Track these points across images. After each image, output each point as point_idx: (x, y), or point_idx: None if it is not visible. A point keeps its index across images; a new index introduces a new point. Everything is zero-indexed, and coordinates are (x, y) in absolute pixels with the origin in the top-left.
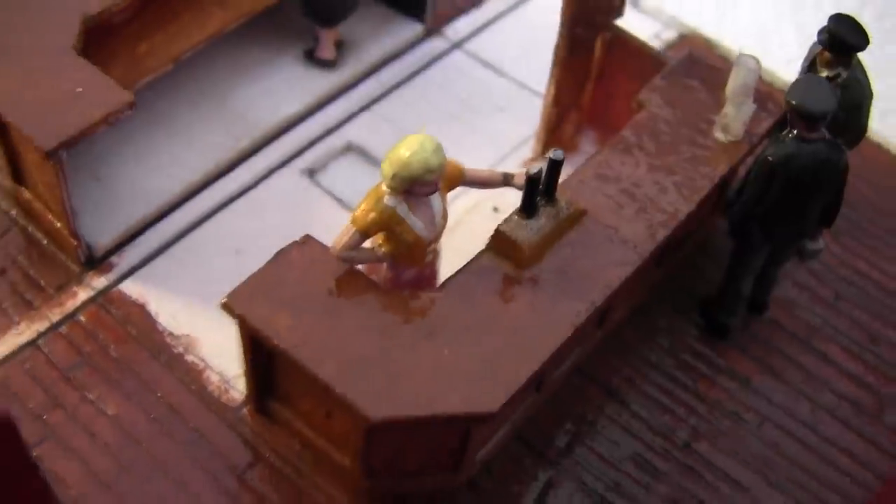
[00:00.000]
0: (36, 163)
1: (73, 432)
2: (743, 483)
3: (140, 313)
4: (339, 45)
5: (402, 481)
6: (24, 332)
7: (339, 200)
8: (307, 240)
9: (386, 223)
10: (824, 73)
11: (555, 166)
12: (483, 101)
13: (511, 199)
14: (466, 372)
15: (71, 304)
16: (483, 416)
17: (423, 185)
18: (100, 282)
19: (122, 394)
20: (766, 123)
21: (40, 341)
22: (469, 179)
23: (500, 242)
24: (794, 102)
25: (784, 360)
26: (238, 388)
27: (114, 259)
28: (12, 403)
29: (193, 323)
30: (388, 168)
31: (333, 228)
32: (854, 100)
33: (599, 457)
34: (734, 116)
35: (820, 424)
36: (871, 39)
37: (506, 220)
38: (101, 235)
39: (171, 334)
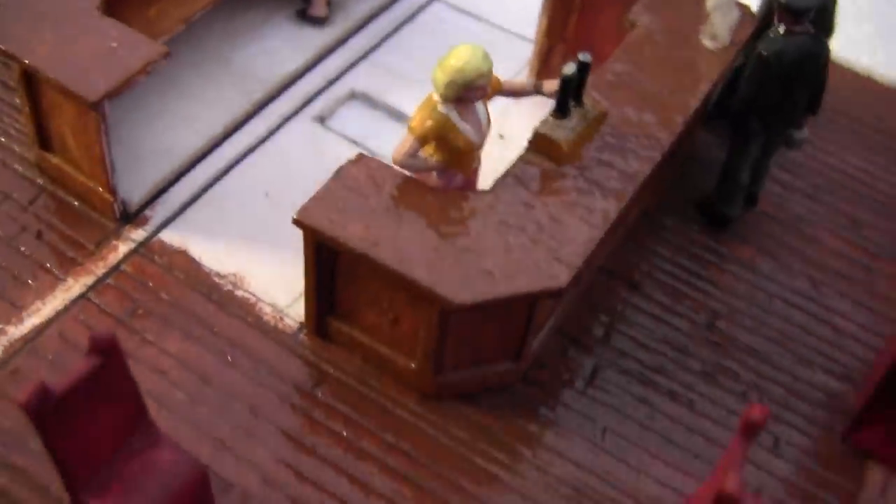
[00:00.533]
0: (72, 122)
1: (140, 373)
2: (763, 352)
3: (183, 259)
4: (329, 3)
5: (467, 377)
6: (72, 287)
7: (353, 141)
8: (360, 157)
9: (441, 130)
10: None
11: (584, 68)
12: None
13: (514, 127)
14: (531, 255)
15: (113, 258)
16: (554, 291)
17: (476, 89)
18: (138, 234)
19: (180, 333)
20: (749, 29)
21: (90, 294)
22: (506, 89)
23: (539, 143)
24: (782, 0)
25: (779, 244)
26: (292, 315)
27: (147, 213)
28: (74, 354)
29: (238, 261)
30: (442, 77)
31: None
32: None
33: (634, 341)
34: (720, 24)
35: (821, 296)
36: None
37: (542, 123)
38: (133, 191)
39: (217, 274)
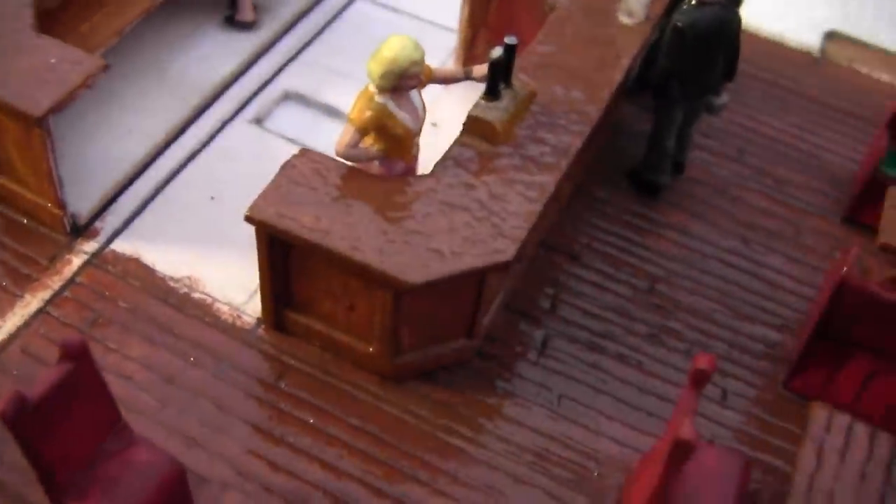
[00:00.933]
0: (16, 140)
1: (106, 380)
2: (704, 310)
3: (137, 266)
4: (255, 8)
5: (424, 357)
6: (30, 303)
7: (291, 140)
8: (303, 151)
9: (379, 119)
10: None
11: (511, 50)
12: None
13: (447, 113)
14: (476, 232)
15: (68, 271)
16: (501, 265)
17: (410, 77)
18: (90, 246)
19: (141, 338)
20: (662, 4)
21: (48, 307)
22: (437, 77)
23: (474, 126)
24: None
25: (709, 207)
26: (248, 312)
27: (98, 224)
28: (38, 367)
29: (190, 264)
30: (376, 68)
31: None
32: None
33: (580, 310)
34: (635, 0)
35: (753, 253)
36: None
37: (475, 106)
38: (81, 204)
39: (171, 278)
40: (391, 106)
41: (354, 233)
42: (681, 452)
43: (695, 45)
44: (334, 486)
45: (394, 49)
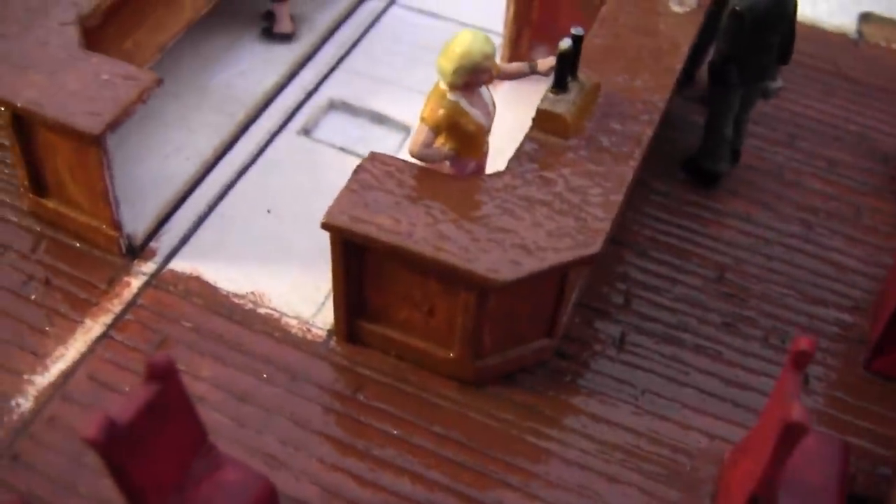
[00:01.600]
0: (69, 161)
1: None
2: (775, 296)
3: (198, 284)
4: (293, 18)
5: (504, 359)
6: (92, 328)
7: (341, 149)
8: (373, 155)
9: (452, 117)
10: None
11: (578, 41)
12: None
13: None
14: (561, 227)
15: (128, 293)
16: (589, 258)
17: (482, 72)
18: (148, 266)
19: (210, 357)
20: None
21: (111, 331)
22: (504, 73)
23: (543, 120)
24: None
25: (768, 193)
26: (318, 325)
27: (153, 244)
28: (107, 393)
29: (253, 279)
30: (448, 65)
31: (344, 172)
32: None
33: (653, 304)
34: None
35: (816, 236)
36: None
37: (543, 100)
38: (135, 225)
39: (235, 294)
40: (463, 103)
41: (436, 233)
42: (793, 435)
43: (753, 28)
44: (424, 497)
45: (465, 43)
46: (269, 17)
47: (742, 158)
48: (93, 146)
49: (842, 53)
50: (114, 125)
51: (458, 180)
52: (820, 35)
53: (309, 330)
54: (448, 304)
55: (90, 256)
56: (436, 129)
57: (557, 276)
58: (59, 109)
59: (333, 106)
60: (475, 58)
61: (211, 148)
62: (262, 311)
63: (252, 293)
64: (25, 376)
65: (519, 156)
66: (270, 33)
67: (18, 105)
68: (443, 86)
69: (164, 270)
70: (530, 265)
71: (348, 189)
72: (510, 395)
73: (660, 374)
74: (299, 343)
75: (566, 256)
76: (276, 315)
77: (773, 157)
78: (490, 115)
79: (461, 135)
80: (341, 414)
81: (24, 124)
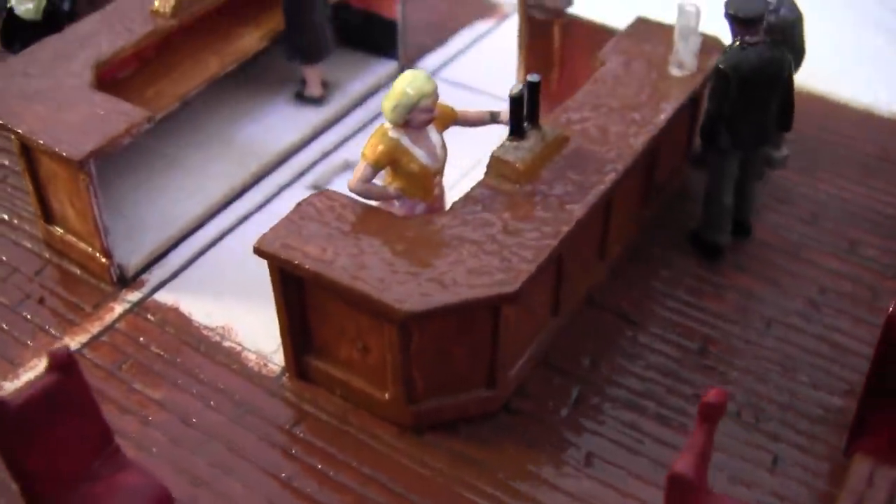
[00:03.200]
0: (67, 188)
1: (123, 419)
2: (759, 372)
3: (175, 315)
4: (325, 86)
5: (442, 406)
6: (68, 346)
7: None
8: (323, 192)
9: (392, 154)
10: None
11: (533, 88)
12: None
13: None
14: (484, 265)
15: (109, 317)
16: (506, 296)
17: (421, 111)
18: (134, 295)
19: (167, 382)
20: (715, 56)
21: (84, 350)
22: (461, 119)
23: (497, 166)
24: (730, 11)
25: (778, 270)
26: (276, 361)
27: (145, 276)
28: None
29: (227, 315)
30: (388, 103)
31: None
32: (786, 20)
33: (622, 369)
34: (684, 50)
35: (821, 315)
36: None
37: (499, 147)
38: (131, 257)
39: (206, 327)
40: (405, 141)
41: (358, 263)
42: (675, 488)
43: (741, 89)
44: None
45: (404, 82)
46: (304, 81)
47: (756, 233)
48: (80, 172)
49: (892, 139)
50: (97, 153)
51: (397, 219)
52: (873, 121)
53: (265, 365)
54: (379, 342)
55: (85, 282)
56: (374, 165)
57: (486, 319)
58: (50, 137)
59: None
60: (412, 96)
61: (221, 194)
62: (226, 343)
63: (222, 327)
64: None
65: (466, 198)
66: (301, 96)
67: (18, 131)
68: (387, 125)
69: (148, 300)
70: (441, 299)
71: (287, 219)
72: (447, 444)
73: (612, 440)
74: (253, 376)
75: (480, 293)
76: (238, 349)
77: (790, 235)
78: (437, 157)
79: (405, 174)
80: (274, 444)
81: (29, 152)
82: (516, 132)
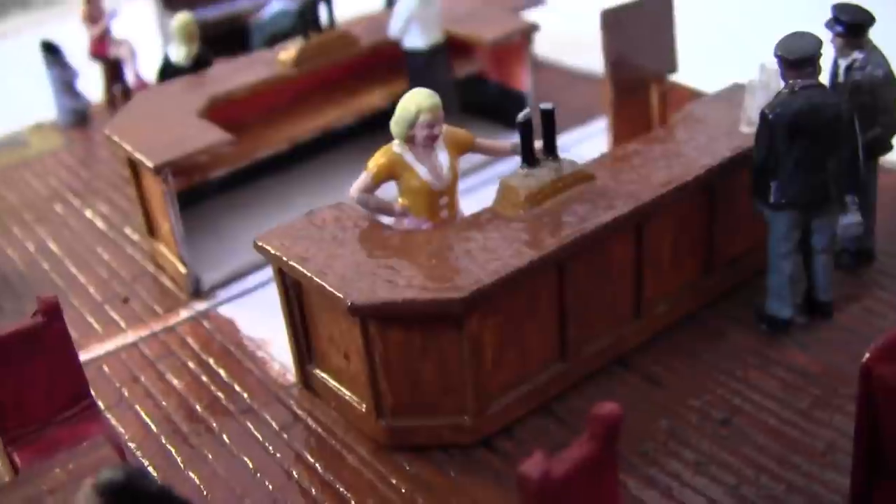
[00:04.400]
0: (159, 202)
1: (141, 399)
2: (776, 450)
3: (227, 325)
4: None
5: (415, 427)
6: (128, 338)
7: None
8: (338, 204)
9: (393, 167)
10: (841, 62)
11: (547, 115)
12: None
13: None
14: (443, 274)
15: (173, 320)
16: (448, 302)
17: (422, 126)
18: (202, 305)
19: (192, 375)
20: None
21: (139, 343)
22: (479, 147)
23: (502, 191)
24: (779, 52)
25: (846, 356)
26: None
27: (220, 291)
28: (101, 380)
29: (270, 330)
30: (393, 122)
31: None
32: (875, 79)
33: (627, 427)
34: (752, 106)
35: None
36: (875, 16)
37: (511, 174)
38: (212, 274)
39: (248, 338)
40: (408, 157)
41: (330, 262)
42: (523, 488)
43: (789, 137)
44: None
45: (406, 98)
46: None
47: (841, 317)
48: (157, 177)
49: None
50: (172, 164)
51: (391, 232)
52: None
53: (284, 375)
54: (354, 347)
55: (169, 292)
56: (375, 177)
57: (453, 334)
58: (140, 149)
59: None
60: (412, 111)
61: None
62: (260, 353)
63: (262, 339)
64: None
65: (467, 218)
66: None
67: (127, 148)
68: (395, 141)
69: (211, 311)
70: (385, 295)
71: (291, 223)
72: (417, 469)
73: None
74: (270, 383)
75: (424, 295)
76: (268, 358)
77: (883, 322)
78: (441, 177)
79: (408, 190)
80: (258, 441)
81: (134, 167)
82: (527, 160)
